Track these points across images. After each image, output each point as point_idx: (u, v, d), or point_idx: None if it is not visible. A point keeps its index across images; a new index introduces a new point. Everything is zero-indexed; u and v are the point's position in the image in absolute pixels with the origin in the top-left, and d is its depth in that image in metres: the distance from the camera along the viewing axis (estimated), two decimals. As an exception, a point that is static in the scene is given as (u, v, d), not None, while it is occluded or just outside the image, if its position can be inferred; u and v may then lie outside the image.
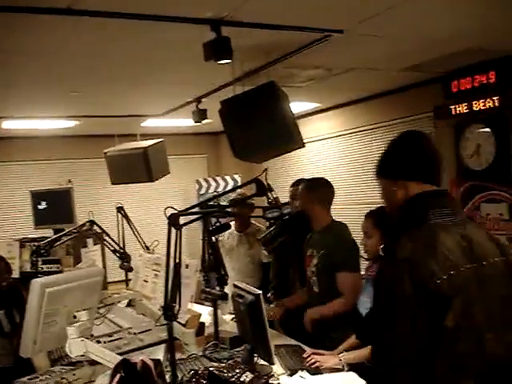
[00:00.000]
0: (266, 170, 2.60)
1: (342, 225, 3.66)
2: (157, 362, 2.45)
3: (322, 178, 3.80)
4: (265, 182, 2.67)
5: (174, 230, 2.73)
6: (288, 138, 3.36)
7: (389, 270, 1.89)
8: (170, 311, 2.69)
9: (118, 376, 2.36)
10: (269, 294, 4.26)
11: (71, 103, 5.31)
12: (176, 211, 2.78)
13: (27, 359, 3.32)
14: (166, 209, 2.78)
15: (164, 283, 2.74)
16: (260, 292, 2.88)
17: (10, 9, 2.57)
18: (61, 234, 4.33)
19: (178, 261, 2.73)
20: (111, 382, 2.40)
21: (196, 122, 5.13)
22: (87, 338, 2.90)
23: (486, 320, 1.89)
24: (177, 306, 2.73)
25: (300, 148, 3.54)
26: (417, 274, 1.77)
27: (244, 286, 3.10)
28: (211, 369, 2.58)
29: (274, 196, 2.74)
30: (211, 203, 3.59)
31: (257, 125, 3.31)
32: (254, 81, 3.93)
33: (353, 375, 2.77)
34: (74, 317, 2.93)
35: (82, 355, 2.89)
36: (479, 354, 1.86)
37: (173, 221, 2.70)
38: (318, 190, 3.62)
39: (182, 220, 2.84)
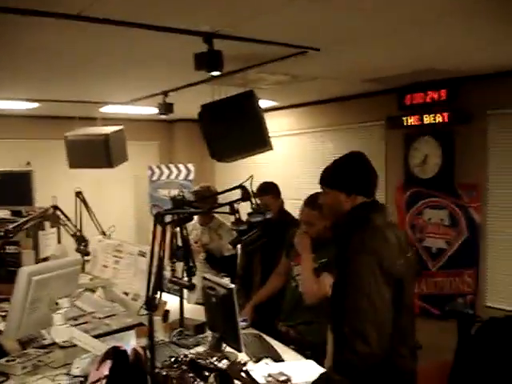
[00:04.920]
0: (251, 176, 2.80)
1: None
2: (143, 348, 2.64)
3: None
4: (249, 189, 2.87)
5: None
6: (261, 142, 3.60)
7: (359, 262, 2.29)
8: (151, 303, 2.87)
9: (108, 362, 2.51)
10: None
11: (33, 87, 5.32)
12: (161, 209, 2.96)
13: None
14: (152, 206, 2.96)
15: (147, 276, 2.90)
16: (233, 286, 3.07)
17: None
18: (27, 218, 4.38)
19: (162, 255, 2.92)
20: (98, 368, 2.55)
21: (161, 115, 5.25)
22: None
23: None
24: (157, 298, 2.91)
25: (269, 150, 3.79)
26: (384, 263, 2.25)
27: (215, 279, 3.30)
28: (191, 356, 2.79)
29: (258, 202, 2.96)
30: (178, 196, 3.72)
31: (234, 129, 3.52)
32: (227, 82, 4.15)
33: (312, 363, 3.05)
34: (57, 303, 3.08)
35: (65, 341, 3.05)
36: (413, 326, 2.49)
37: (159, 219, 2.88)
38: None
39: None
